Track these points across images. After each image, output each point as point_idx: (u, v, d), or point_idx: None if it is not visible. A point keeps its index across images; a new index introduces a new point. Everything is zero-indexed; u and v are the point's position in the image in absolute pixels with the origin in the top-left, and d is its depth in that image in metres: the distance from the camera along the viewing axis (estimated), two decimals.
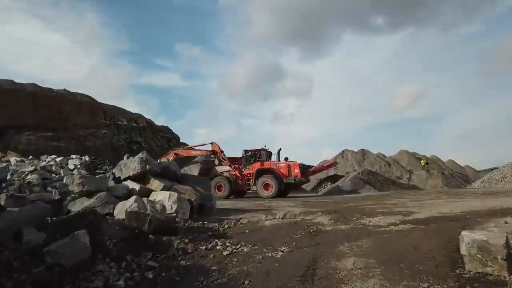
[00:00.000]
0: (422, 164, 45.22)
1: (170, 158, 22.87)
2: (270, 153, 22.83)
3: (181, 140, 77.84)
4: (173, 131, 74.75)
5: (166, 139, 71.39)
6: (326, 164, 29.23)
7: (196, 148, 24.38)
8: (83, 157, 16.11)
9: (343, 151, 45.79)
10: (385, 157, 66.26)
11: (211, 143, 23.93)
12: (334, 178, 29.89)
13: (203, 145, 24.96)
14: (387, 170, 41.42)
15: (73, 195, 8.66)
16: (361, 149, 45.69)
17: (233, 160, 23.79)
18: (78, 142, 48.93)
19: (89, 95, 55.17)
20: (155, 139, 66.49)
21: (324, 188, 27.75)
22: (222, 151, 23.49)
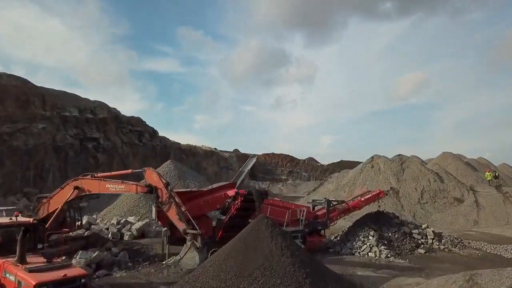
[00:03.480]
0: (489, 178, 34.76)
1: (68, 196, 14.93)
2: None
3: (165, 133, 67.35)
4: (147, 123, 64.25)
5: (137, 133, 60.96)
6: (367, 196, 18.74)
7: (113, 180, 14.43)
8: None
9: (372, 158, 35.09)
10: (423, 161, 55.52)
11: (144, 170, 15.01)
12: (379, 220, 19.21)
13: (132, 172, 14.80)
14: (440, 188, 30.87)
15: None
16: (398, 155, 35.15)
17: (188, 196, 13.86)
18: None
19: (23, 77, 44.49)
20: (120, 134, 56.18)
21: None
22: (166, 184, 14.19)
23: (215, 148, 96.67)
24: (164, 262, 14.59)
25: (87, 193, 15.16)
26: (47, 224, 14.71)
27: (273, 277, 10.41)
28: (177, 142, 74.89)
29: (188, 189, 17.53)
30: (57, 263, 9.40)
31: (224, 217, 16.03)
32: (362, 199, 19.14)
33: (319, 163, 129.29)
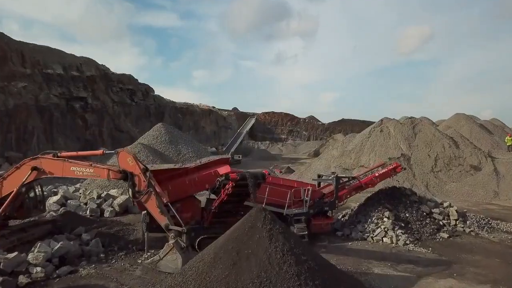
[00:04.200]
0: (509, 144, 32.10)
1: (24, 178, 12.33)
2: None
3: (163, 91, 64.01)
4: (139, 81, 60.68)
5: (128, 92, 57.65)
6: (382, 171, 16.16)
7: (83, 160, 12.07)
8: None
9: (381, 121, 32.27)
10: (433, 123, 52.74)
11: (117, 152, 12.41)
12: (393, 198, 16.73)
13: (104, 153, 12.18)
14: (455, 154, 28.25)
15: None
16: (409, 118, 32.28)
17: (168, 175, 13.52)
18: None
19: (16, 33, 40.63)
20: (110, 93, 52.88)
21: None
22: (144, 170, 11.95)
23: (213, 107, 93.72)
24: (139, 261, 12.21)
25: (48, 175, 12.53)
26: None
27: None
28: (173, 101, 71.70)
29: (176, 166, 14.82)
30: None
31: (216, 197, 13.56)
32: (376, 174, 16.53)
33: (320, 121, 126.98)
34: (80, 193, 21.96)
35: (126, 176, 11.74)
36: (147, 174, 11.79)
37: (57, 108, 42.87)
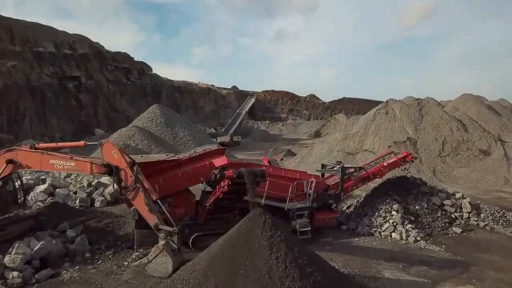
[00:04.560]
0: None
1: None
2: None
3: (161, 68, 62.29)
4: (135, 59, 58.80)
5: (124, 71, 55.87)
6: (390, 160, 15.04)
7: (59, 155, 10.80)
8: None
9: (387, 103, 30.95)
10: (439, 104, 51.31)
11: (100, 143, 11.05)
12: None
13: (86, 144, 11.60)
14: (463, 138, 27.05)
15: None
16: (415, 99, 30.85)
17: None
18: None
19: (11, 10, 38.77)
20: (104, 72, 51.17)
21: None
22: (131, 164, 10.78)
23: (212, 85, 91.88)
24: (126, 262, 11.19)
25: (26, 169, 11.38)
26: None
27: None
28: (170, 80, 69.95)
29: (169, 156, 13.61)
30: None
31: (211, 190, 12.48)
32: (385, 164, 15.38)
33: (320, 100, 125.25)
34: (72, 179, 20.83)
35: (111, 170, 10.60)
36: (134, 168, 10.66)
37: (50, 88, 41.39)
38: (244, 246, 7.92)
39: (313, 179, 13.54)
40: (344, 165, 14.64)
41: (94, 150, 24.24)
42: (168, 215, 10.64)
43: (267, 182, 12.29)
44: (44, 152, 11.02)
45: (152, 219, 10.46)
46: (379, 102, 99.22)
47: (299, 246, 8.39)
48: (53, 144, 11.77)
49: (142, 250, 11.80)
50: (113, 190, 17.96)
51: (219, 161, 12.27)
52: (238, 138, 53.49)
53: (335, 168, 14.60)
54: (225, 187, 10.28)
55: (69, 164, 10.91)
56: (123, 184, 10.64)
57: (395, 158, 15.55)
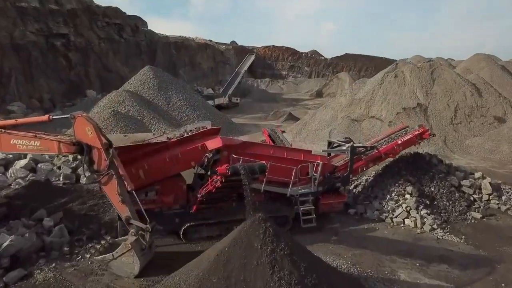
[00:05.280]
0: None
1: None
2: None
3: (153, 25, 59.18)
4: (128, 14, 55.44)
5: (116, 27, 52.80)
6: (405, 138, 13.58)
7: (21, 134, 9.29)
8: None
9: (396, 65, 28.87)
10: (450, 63, 48.89)
11: (73, 117, 9.27)
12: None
13: (51, 119, 9.02)
14: (477, 104, 25.32)
15: None
16: (428, 61, 28.78)
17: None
18: None
19: None
20: (95, 29, 48.26)
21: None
22: (107, 146, 9.36)
23: (210, 40, 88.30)
24: (88, 255, 9.87)
25: None
26: None
27: None
28: (166, 36, 66.61)
29: (155, 135, 12.00)
30: None
31: (204, 172, 11.07)
32: (399, 141, 13.84)
33: (322, 56, 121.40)
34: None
35: (81, 149, 9.07)
36: (110, 151, 9.13)
37: (36, 47, 38.96)
38: (239, 264, 6.58)
39: (319, 161, 12.06)
40: (354, 144, 13.11)
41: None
42: (143, 209, 9.29)
43: (268, 165, 10.83)
44: (3, 131, 9.43)
45: (123, 211, 9.14)
46: (383, 59, 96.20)
47: (306, 260, 7.04)
48: (12, 121, 10.04)
49: (109, 238, 10.47)
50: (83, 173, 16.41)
51: (213, 143, 10.74)
52: (237, 100, 51.45)
53: (344, 148, 13.08)
54: (218, 182, 8.81)
55: (33, 144, 9.34)
56: (95, 167, 9.16)
57: (411, 135, 14.01)
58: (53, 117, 9.57)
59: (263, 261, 6.51)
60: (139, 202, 9.29)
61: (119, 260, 9.08)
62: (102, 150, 9.04)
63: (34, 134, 9.35)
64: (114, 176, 8.96)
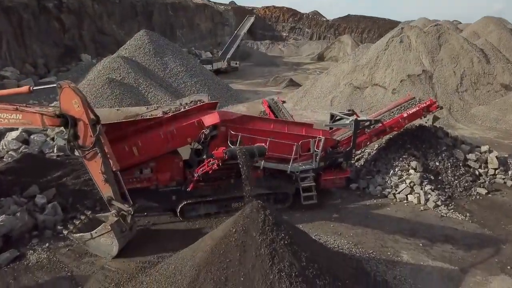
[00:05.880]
0: None
1: None
2: None
3: None
4: None
5: None
6: (411, 111, 13.03)
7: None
8: None
9: (402, 29, 27.76)
10: (457, 26, 47.30)
11: (59, 86, 8.62)
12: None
13: (31, 90, 8.62)
14: (484, 71, 24.53)
15: None
16: (435, 25, 27.59)
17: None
18: None
19: None
20: None
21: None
22: (94, 122, 8.75)
23: (209, 0, 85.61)
24: (65, 231, 9.45)
25: None
26: None
27: None
28: None
29: (149, 109, 11.39)
30: None
31: (201, 147, 10.64)
32: (404, 114, 13.28)
33: (324, 17, 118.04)
34: None
35: (66, 122, 8.58)
36: (97, 127, 8.63)
37: (27, 9, 37.42)
38: (236, 255, 6.25)
39: (321, 137, 11.57)
40: (358, 118, 12.58)
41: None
42: (126, 191, 8.94)
43: (268, 142, 10.38)
44: None
45: (106, 191, 8.82)
46: (386, 20, 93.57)
47: (308, 249, 6.71)
48: None
49: (90, 213, 10.09)
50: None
51: (210, 119, 10.24)
52: (236, 64, 50.13)
53: (347, 122, 12.56)
54: (215, 165, 8.37)
55: (15, 117, 8.83)
56: (80, 142, 8.70)
57: (417, 108, 13.44)
58: (34, 88, 8.99)
59: (262, 253, 6.18)
60: (123, 183, 8.92)
61: (97, 240, 8.88)
62: (89, 126, 8.54)
63: (15, 106, 8.80)
64: (99, 154, 8.53)
